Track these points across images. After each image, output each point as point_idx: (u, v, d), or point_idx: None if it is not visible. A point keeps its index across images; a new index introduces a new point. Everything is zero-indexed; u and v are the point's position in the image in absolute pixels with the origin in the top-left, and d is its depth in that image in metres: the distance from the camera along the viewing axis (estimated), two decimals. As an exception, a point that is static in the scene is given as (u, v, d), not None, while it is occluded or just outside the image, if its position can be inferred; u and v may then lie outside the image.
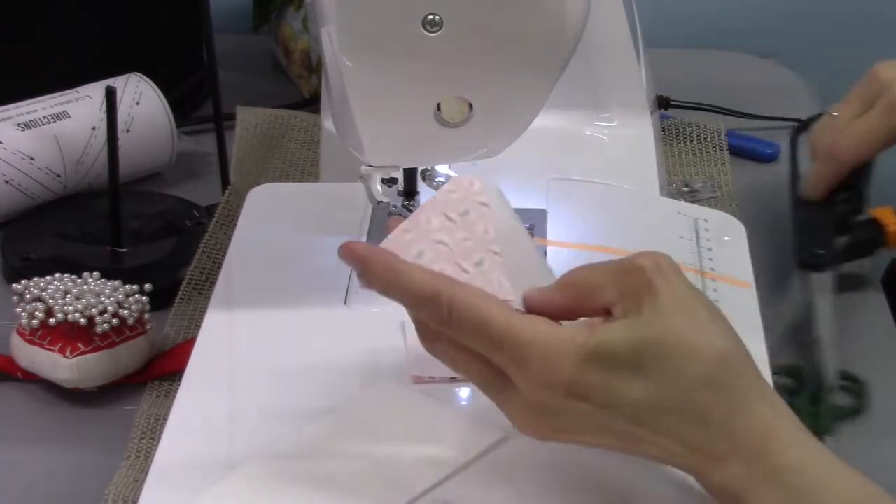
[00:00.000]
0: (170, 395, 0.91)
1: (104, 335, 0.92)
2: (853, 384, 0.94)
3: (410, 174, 0.91)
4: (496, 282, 0.72)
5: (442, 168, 0.90)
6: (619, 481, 0.75)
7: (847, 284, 1.06)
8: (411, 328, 0.84)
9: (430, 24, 0.79)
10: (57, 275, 0.95)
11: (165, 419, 0.82)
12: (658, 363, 0.67)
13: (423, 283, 0.70)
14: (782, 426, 0.67)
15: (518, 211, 0.77)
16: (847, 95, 1.07)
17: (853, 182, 1.08)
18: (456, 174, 0.90)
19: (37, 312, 0.92)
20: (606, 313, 0.70)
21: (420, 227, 0.74)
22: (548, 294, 0.71)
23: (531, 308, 0.71)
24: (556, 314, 0.71)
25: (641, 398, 0.67)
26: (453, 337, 0.70)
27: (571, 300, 0.71)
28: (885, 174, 1.11)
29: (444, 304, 0.69)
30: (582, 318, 0.70)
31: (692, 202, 1.14)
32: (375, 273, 0.71)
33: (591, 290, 0.70)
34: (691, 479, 0.71)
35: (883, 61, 1.05)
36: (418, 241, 0.74)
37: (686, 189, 1.16)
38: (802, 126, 1.17)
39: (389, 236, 0.74)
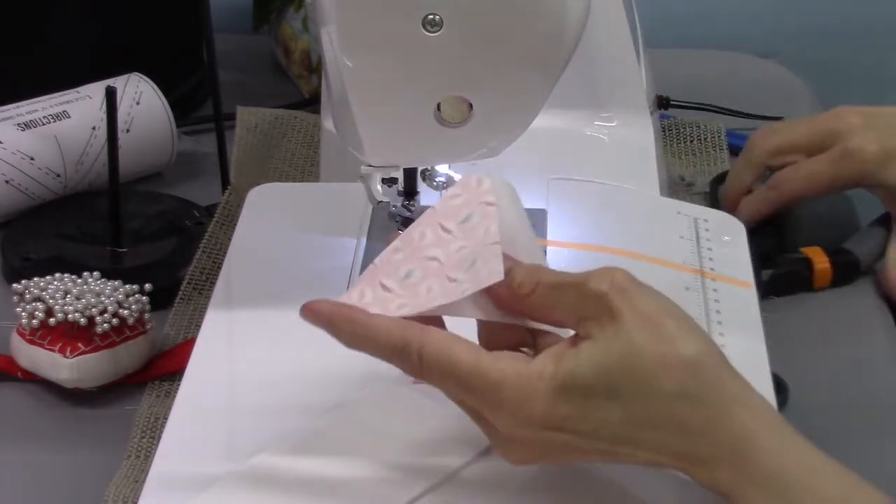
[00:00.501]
0: (170, 395, 0.91)
1: (104, 335, 0.92)
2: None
3: (410, 174, 0.91)
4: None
5: (442, 168, 0.90)
6: (620, 480, 0.75)
7: (847, 284, 1.06)
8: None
9: (430, 24, 0.79)
10: (57, 275, 0.95)
11: (165, 419, 0.82)
12: (629, 384, 0.67)
13: (391, 335, 0.70)
14: (761, 430, 0.67)
15: None
16: (804, 121, 1.10)
17: (777, 217, 1.09)
18: (457, 174, 0.90)
19: (37, 312, 0.92)
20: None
21: (412, 244, 0.74)
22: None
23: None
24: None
25: (618, 420, 0.68)
26: (427, 380, 0.71)
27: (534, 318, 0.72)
28: (806, 212, 1.12)
29: (413, 353, 0.70)
30: (549, 348, 0.70)
31: (688, 195, 1.14)
32: (342, 331, 0.72)
33: (552, 313, 0.71)
34: (694, 487, 0.71)
35: (846, 107, 1.08)
36: (408, 261, 0.73)
37: (682, 181, 1.16)
38: (722, 177, 1.17)
39: (379, 257, 0.74)
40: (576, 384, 0.67)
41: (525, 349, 0.72)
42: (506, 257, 0.72)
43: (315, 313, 0.72)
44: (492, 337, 0.73)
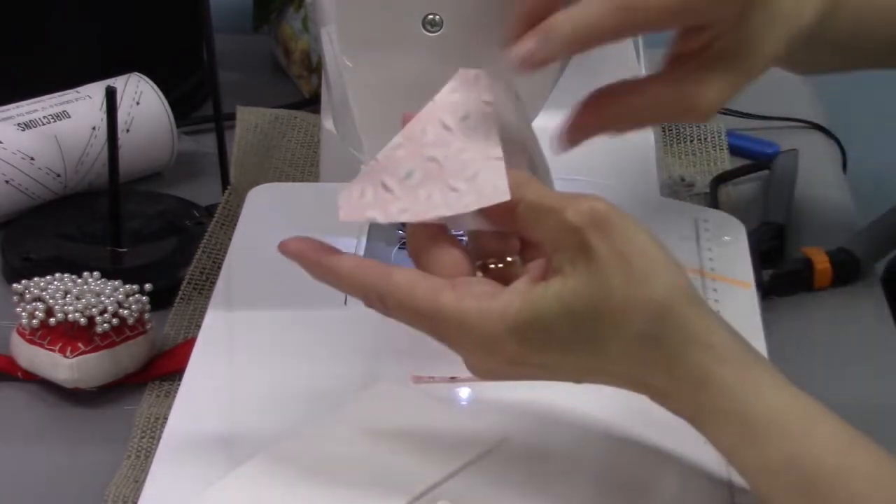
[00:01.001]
0: (170, 395, 0.91)
1: (104, 335, 0.92)
2: None
3: (410, 174, 0.90)
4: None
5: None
6: (620, 480, 0.75)
7: (847, 284, 1.06)
8: (411, 329, 0.84)
9: (430, 24, 0.79)
10: (57, 275, 0.95)
11: (165, 419, 0.82)
12: (593, 325, 0.68)
13: (353, 281, 0.72)
14: (722, 370, 0.68)
15: None
16: None
17: (775, 217, 1.09)
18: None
19: (37, 312, 0.92)
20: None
21: (413, 140, 0.73)
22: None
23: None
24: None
25: (581, 356, 0.69)
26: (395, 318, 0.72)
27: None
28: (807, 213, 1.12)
29: (375, 299, 0.71)
30: (518, 282, 0.70)
31: (688, 195, 1.14)
32: (311, 271, 0.74)
33: (531, 233, 0.71)
34: (695, 474, 0.71)
35: None
36: (409, 159, 0.72)
37: (682, 182, 1.16)
38: (722, 177, 1.17)
39: (381, 152, 0.73)
40: (539, 327, 0.68)
41: (511, 258, 0.73)
42: None
43: (286, 249, 0.74)
44: (480, 244, 0.73)
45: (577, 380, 0.71)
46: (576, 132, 0.79)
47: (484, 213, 0.71)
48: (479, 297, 0.69)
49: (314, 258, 0.73)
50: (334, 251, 0.73)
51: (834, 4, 0.83)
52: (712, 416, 0.68)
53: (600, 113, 0.79)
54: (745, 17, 0.76)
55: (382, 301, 0.71)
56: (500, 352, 0.69)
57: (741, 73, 0.78)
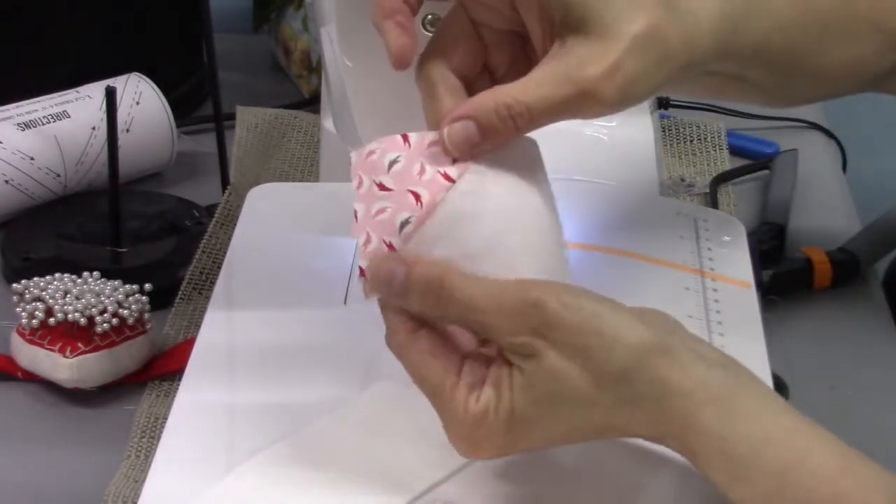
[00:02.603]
0: (170, 395, 0.91)
1: (104, 335, 0.92)
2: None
3: (410, 174, 0.90)
4: None
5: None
6: (618, 479, 0.75)
7: (847, 284, 1.06)
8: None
9: (430, 24, 0.79)
10: (57, 275, 0.95)
11: (165, 419, 0.82)
12: (567, 407, 0.69)
13: (388, 323, 0.73)
14: (701, 412, 0.68)
15: None
16: None
17: (775, 218, 1.09)
18: None
19: (37, 312, 0.92)
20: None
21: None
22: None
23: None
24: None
25: (566, 430, 0.70)
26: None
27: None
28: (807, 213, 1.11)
29: (394, 347, 0.73)
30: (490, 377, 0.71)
31: (688, 195, 1.14)
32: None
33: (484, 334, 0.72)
34: (693, 476, 0.71)
35: None
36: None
37: (682, 182, 1.16)
38: (722, 177, 1.17)
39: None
40: (517, 418, 0.69)
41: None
42: (402, 261, 0.71)
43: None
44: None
45: (566, 445, 0.72)
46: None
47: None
48: (470, 390, 0.70)
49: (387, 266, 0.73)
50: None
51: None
52: (700, 456, 0.69)
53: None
54: None
55: (398, 351, 0.73)
56: (487, 452, 0.71)
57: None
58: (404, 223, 0.71)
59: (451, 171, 0.72)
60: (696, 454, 0.69)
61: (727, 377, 0.70)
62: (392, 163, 0.72)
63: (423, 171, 0.72)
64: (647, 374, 0.68)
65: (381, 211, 0.72)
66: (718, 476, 0.69)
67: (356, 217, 0.72)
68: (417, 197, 0.71)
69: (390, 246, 0.71)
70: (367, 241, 0.72)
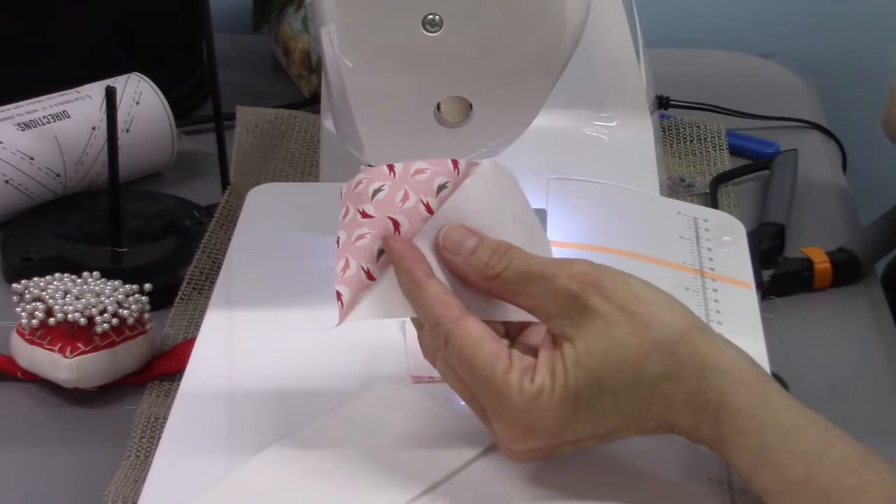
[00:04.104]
0: (170, 395, 0.91)
1: (104, 335, 0.92)
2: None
3: (410, 174, 0.91)
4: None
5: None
6: (619, 479, 0.75)
7: (847, 284, 1.06)
8: (410, 329, 0.84)
9: (430, 24, 0.79)
10: (57, 275, 0.95)
11: (165, 419, 0.82)
12: (615, 379, 0.70)
13: (431, 309, 0.72)
14: (737, 392, 0.69)
15: None
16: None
17: (775, 218, 1.09)
18: None
19: (37, 312, 0.92)
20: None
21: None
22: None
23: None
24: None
25: (610, 413, 0.71)
26: (445, 360, 0.73)
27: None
28: (807, 213, 1.11)
29: (441, 334, 0.72)
30: (542, 359, 0.71)
31: (689, 196, 1.14)
32: (399, 277, 0.73)
33: (519, 300, 0.73)
34: (695, 474, 0.71)
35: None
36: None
37: (682, 182, 1.16)
38: (722, 177, 1.17)
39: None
40: (571, 394, 0.70)
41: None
42: (473, 233, 0.74)
43: (390, 246, 0.74)
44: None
45: (603, 440, 0.72)
46: None
47: (463, 282, 0.74)
48: (523, 374, 0.70)
49: (410, 267, 0.73)
50: (431, 271, 0.73)
51: None
52: (731, 440, 0.69)
53: None
54: None
55: (446, 339, 0.71)
56: (539, 437, 0.71)
57: None
58: (381, 252, 0.73)
59: (434, 202, 0.74)
60: (726, 439, 0.69)
61: (755, 365, 0.71)
62: (376, 191, 0.74)
63: (406, 197, 0.74)
64: (690, 349, 0.69)
65: (361, 237, 0.74)
66: (746, 460, 0.69)
67: (338, 244, 0.74)
68: (396, 225, 0.74)
69: (368, 273, 0.73)
70: (346, 266, 0.74)
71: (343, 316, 0.74)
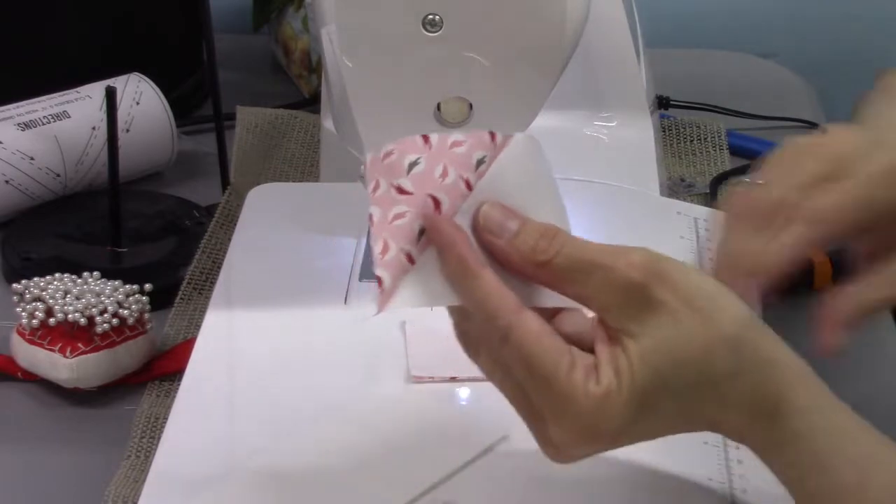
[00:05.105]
0: (170, 395, 0.91)
1: (104, 335, 0.92)
2: None
3: (410, 174, 0.91)
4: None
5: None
6: (620, 480, 0.75)
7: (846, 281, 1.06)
8: (411, 328, 0.84)
9: (430, 24, 0.79)
10: (57, 275, 0.95)
11: (165, 419, 0.82)
12: (680, 377, 0.66)
13: (489, 298, 0.66)
14: (795, 389, 0.66)
15: None
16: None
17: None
18: None
19: (37, 312, 0.92)
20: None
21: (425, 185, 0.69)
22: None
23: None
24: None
25: (672, 412, 0.67)
26: (500, 357, 0.68)
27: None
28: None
29: (499, 328, 0.66)
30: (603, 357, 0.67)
31: (689, 196, 1.14)
32: (448, 264, 0.67)
33: (569, 288, 0.67)
34: (695, 474, 0.71)
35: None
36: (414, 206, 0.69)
37: (682, 182, 1.16)
38: (722, 177, 1.17)
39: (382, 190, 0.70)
40: (637, 395, 0.65)
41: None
42: (514, 214, 0.68)
43: (437, 233, 0.67)
44: None
45: (655, 437, 0.69)
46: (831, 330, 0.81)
47: (504, 266, 0.68)
48: (588, 373, 0.66)
49: (463, 253, 0.66)
50: (483, 258, 0.67)
51: None
52: (783, 440, 0.66)
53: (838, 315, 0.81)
54: None
55: (506, 334, 0.66)
56: (602, 437, 0.66)
57: None
58: (422, 231, 0.68)
59: (473, 178, 0.68)
60: (777, 439, 0.66)
61: (807, 365, 0.68)
62: (412, 164, 0.68)
63: (445, 173, 0.68)
64: (752, 345, 0.66)
65: (399, 216, 0.68)
66: (795, 462, 0.66)
67: (371, 221, 0.68)
68: (437, 203, 0.68)
69: (409, 256, 0.67)
70: (385, 248, 0.67)
71: (383, 303, 0.67)
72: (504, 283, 0.66)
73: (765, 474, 0.68)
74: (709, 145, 1.22)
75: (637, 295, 0.65)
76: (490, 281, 0.66)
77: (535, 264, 0.67)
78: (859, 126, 0.81)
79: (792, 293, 1.04)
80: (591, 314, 0.68)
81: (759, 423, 0.67)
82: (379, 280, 0.67)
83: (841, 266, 1.05)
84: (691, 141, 1.23)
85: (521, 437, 0.72)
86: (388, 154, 0.69)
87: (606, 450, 0.68)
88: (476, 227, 0.68)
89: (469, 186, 0.68)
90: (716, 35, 1.55)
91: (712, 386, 0.66)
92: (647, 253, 0.66)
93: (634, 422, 0.66)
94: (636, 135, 1.06)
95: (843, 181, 0.78)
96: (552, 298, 0.68)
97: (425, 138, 0.69)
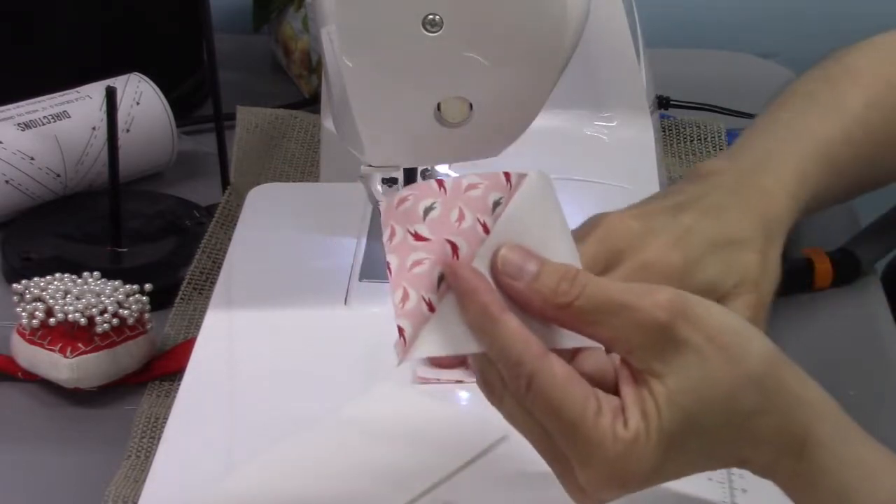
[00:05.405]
0: (170, 395, 0.91)
1: (104, 335, 0.92)
2: None
3: (410, 174, 0.91)
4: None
5: (442, 168, 0.90)
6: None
7: (847, 284, 1.06)
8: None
9: (430, 24, 0.79)
10: (57, 275, 0.95)
11: (165, 419, 0.82)
12: (707, 417, 0.65)
13: (512, 345, 0.65)
14: (822, 426, 0.66)
15: None
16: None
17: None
18: (457, 175, 0.90)
19: (37, 312, 0.92)
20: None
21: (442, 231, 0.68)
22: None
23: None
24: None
25: (697, 452, 0.66)
26: (524, 403, 0.67)
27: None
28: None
29: (522, 375, 0.65)
30: (629, 399, 0.66)
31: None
32: (469, 310, 0.66)
33: (592, 330, 0.66)
34: (696, 475, 0.71)
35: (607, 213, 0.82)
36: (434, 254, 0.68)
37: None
38: None
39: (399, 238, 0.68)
40: (665, 437, 0.65)
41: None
42: (533, 256, 0.67)
43: (456, 278, 0.66)
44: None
45: (683, 476, 0.68)
46: None
47: (522, 308, 0.66)
48: (615, 417, 0.65)
49: (485, 300, 0.65)
50: (504, 303, 0.66)
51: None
52: (811, 477, 0.66)
53: None
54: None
55: (529, 381, 0.64)
56: (631, 481, 0.65)
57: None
58: (441, 278, 0.66)
59: (490, 221, 0.67)
60: (804, 476, 0.66)
61: (833, 400, 0.67)
62: (427, 210, 0.67)
63: (462, 217, 0.67)
64: (777, 382, 0.66)
65: (418, 263, 0.66)
66: (822, 499, 0.66)
67: (389, 270, 0.66)
68: (455, 248, 0.66)
69: (429, 304, 0.66)
70: (405, 297, 0.66)
71: (405, 353, 0.66)
72: (525, 327, 0.65)
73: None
74: (709, 145, 1.22)
75: (662, 334, 0.64)
76: (512, 326, 0.65)
77: (557, 306, 0.66)
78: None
79: (792, 293, 1.04)
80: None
81: (787, 459, 0.66)
82: (400, 330, 0.66)
83: (841, 266, 1.06)
84: (691, 141, 1.22)
85: (521, 437, 0.72)
86: (403, 200, 0.68)
87: (635, 491, 0.66)
88: (494, 271, 0.67)
89: (486, 230, 0.67)
90: (716, 35, 1.55)
91: (740, 424, 0.65)
92: (672, 292, 0.65)
93: (663, 463, 0.65)
94: (636, 135, 1.06)
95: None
96: (573, 340, 0.67)
97: (440, 182, 0.68)
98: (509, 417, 0.68)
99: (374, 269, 0.92)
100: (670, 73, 1.26)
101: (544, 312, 0.66)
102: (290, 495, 0.74)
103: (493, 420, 0.75)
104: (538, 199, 0.69)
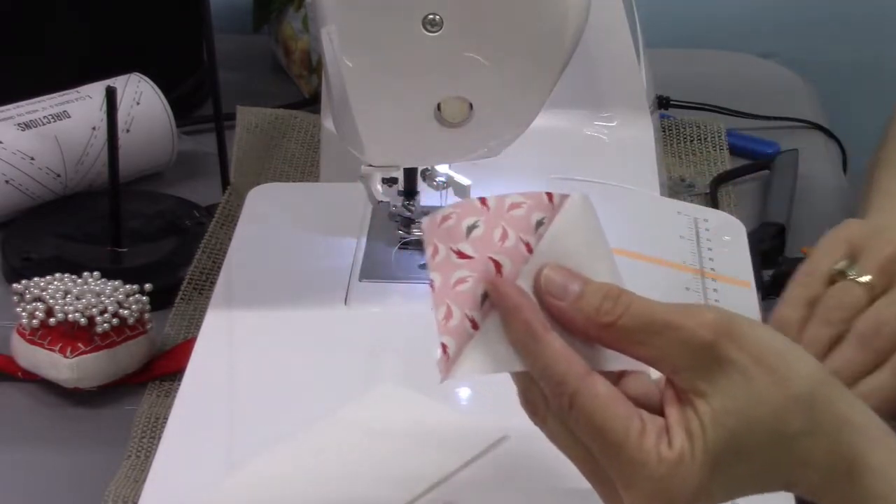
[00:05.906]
0: (170, 395, 0.91)
1: (104, 335, 0.92)
2: None
3: (410, 174, 0.91)
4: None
5: (442, 168, 0.90)
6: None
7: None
8: (408, 332, 0.84)
9: (430, 24, 0.79)
10: (57, 275, 0.95)
11: (165, 419, 0.82)
12: (754, 438, 0.64)
13: (556, 363, 0.64)
14: (872, 448, 0.65)
15: None
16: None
17: (775, 218, 1.09)
18: (457, 174, 0.90)
19: (37, 312, 0.92)
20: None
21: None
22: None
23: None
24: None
25: (746, 474, 0.65)
26: (567, 422, 0.65)
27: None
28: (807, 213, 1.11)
29: (565, 394, 0.64)
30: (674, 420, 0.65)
31: (689, 196, 1.14)
32: (513, 329, 0.65)
33: (636, 349, 0.65)
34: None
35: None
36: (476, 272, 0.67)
37: (682, 182, 1.17)
38: (722, 177, 1.17)
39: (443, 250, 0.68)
40: (710, 458, 0.64)
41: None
42: (576, 276, 0.66)
43: (500, 296, 0.66)
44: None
45: (729, 499, 0.66)
46: None
47: (565, 328, 0.66)
48: (659, 437, 0.64)
49: (529, 318, 0.65)
50: (547, 322, 0.65)
51: None
52: (859, 501, 0.65)
53: None
54: None
55: (572, 400, 0.64)
56: (676, 501, 0.64)
57: None
58: (485, 296, 0.66)
59: (533, 241, 0.67)
60: (853, 499, 0.65)
61: (881, 421, 0.66)
62: (471, 228, 0.67)
63: (505, 236, 0.67)
64: (825, 403, 0.64)
65: (462, 281, 0.66)
66: None
67: (433, 287, 0.66)
68: (498, 267, 0.66)
69: (473, 322, 0.65)
70: (448, 314, 0.65)
71: (448, 370, 0.65)
72: (568, 346, 0.65)
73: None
74: (709, 145, 1.22)
75: (707, 354, 0.64)
76: (556, 345, 0.64)
77: (600, 326, 0.65)
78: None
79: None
80: (656, 375, 0.66)
81: (835, 482, 0.65)
82: (444, 347, 0.65)
83: None
84: (691, 141, 1.23)
85: (521, 437, 0.72)
86: (446, 218, 0.67)
87: None
88: (538, 290, 0.66)
89: (529, 249, 0.67)
90: (716, 35, 1.55)
91: (787, 446, 0.64)
92: (718, 311, 0.65)
93: (708, 484, 0.64)
94: (636, 135, 1.06)
95: None
96: (618, 361, 0.66)
97: (482, 200, 0.67)
98: (552, 438, 0.67)
99: (374, 269, 0.92)
100: (670, 73, 1.26)
101: (588, 332, 0.65)
102: (289, 495, 0.74)
103: (493, 420, 0.76)
104: (581, 220, 0.69)
